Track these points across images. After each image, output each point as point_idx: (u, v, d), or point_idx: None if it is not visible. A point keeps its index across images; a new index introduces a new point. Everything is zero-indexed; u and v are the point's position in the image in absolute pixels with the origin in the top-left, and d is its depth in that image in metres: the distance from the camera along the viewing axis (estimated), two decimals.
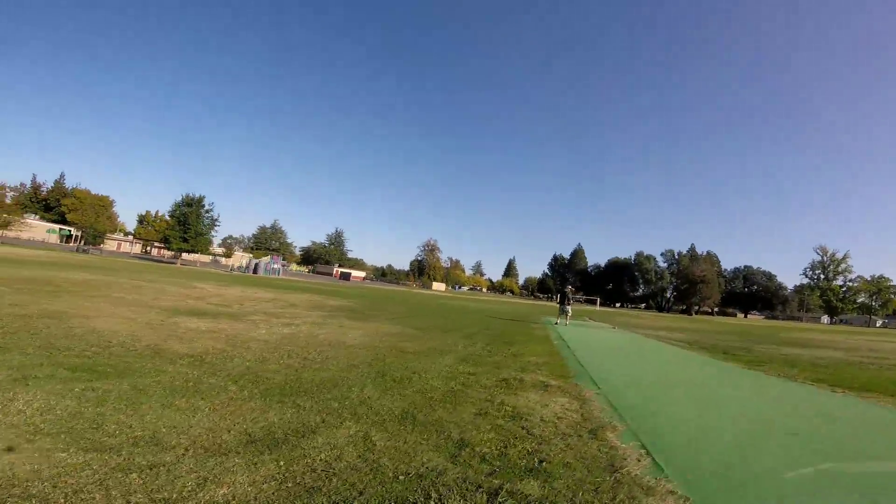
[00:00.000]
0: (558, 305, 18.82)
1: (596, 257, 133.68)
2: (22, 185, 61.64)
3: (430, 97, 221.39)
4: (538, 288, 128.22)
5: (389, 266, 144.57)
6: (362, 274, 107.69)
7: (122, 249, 72.24)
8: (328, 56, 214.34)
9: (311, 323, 9.53)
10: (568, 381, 5.68)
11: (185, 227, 55.87)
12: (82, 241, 55.75)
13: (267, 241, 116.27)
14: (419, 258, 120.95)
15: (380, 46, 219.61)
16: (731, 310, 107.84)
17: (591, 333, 15.13)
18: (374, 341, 7.82)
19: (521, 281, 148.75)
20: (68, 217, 57.74)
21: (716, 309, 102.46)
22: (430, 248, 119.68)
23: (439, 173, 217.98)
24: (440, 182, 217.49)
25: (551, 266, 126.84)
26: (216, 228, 61.16)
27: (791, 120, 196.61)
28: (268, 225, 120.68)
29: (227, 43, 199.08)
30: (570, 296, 18.37)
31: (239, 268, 65.15)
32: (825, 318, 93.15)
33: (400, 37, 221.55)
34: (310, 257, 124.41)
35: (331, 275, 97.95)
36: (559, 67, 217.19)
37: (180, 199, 57.82)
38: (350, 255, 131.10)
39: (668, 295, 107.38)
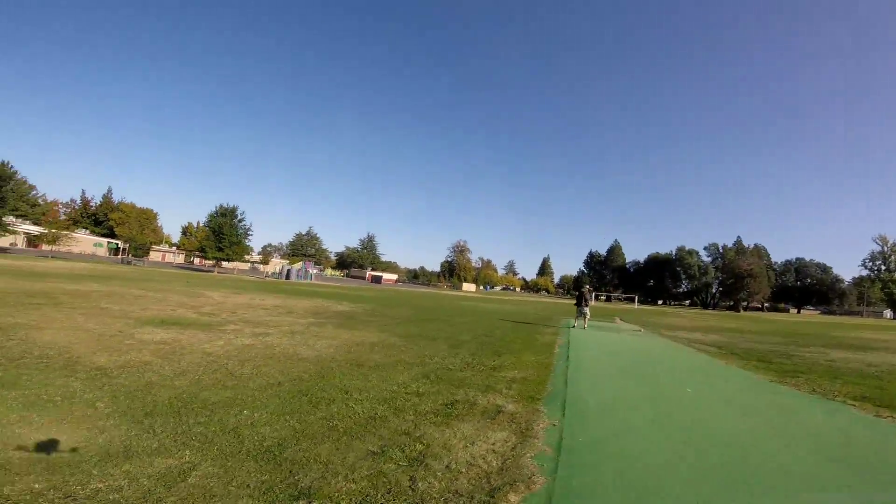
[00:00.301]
0: (575, 307, 17.54)
1: (634, 253, 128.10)
2: (72, 200, 66.49)
3: (454, 97, 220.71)
4: (574, 286, 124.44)
5: (422, 268, 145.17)
6: (394, 277, 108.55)
7: (166, 260, 76.07)
8: (344, 60, 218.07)
9: (285, 332, 9.03)
10: (531, 406, 4.79)
11: (220, 236, 58.17)
12: (128, 254, 59.16)
13: (303, 248, 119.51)
14: (449, 259, 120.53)
15: (397, 48, 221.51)
16: (782, 305, 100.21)
17: (607, 338, 13.87)
18: (337, 353, 7.17)
19: (556, 279, 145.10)
20: (116, 231, 61.51)
21: (766, 305, 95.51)
22: (460, 249, 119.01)
23: (470, 174, 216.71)
24: (471, 182, 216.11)
25: (587, 263, 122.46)
26: (249, 237, 63.52)
27: (843, 104, 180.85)
28: (303, 232, 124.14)
29: (231, 46, 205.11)
30: (588, 296, 17.07)
31: (273, 274, 67.02)
32: (888, 313, 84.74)
33: (418, 36, 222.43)
34: (344, 262, 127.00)
35: (364, 278, 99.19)
36: (580, 60, 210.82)
37: (215, 209, 60.61)
38: (384, 258, 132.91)
39: (714, 291, 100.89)
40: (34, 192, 44.48)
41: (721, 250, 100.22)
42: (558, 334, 13.78)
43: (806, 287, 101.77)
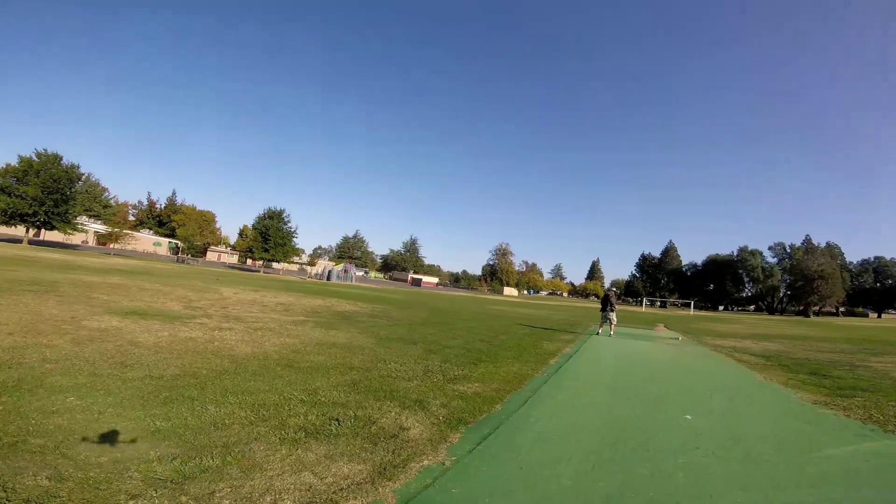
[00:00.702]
0: (600, 312, 15.87)
1: (691, 255, 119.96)
2: (140, 202, 72.70)
3: (496, 97, 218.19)
4: (625, 291, 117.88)
5: (464, 272, 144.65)
6: (435, 280, 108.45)
7: (221, 260, 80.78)
8: (386, 65, 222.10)
9: (252, 328, 8.52)
10: (446, 432, 3.79)
11: (266, 238, 60.71)
12: (185, 253, 63.46)
13: (349, 251, 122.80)
14: (491, 263, 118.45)
15: (436, 49, 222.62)
16: (860, 309, 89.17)
17: (629, 347, 12.24)
18: (279, 352, 6.48)
19: (606, 284, 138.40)
20: (177, 232, 66.31)
21: (841, 309, 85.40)
22: (503, 253, 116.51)
23: (515, 175, 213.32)
24: (517, 184, 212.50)
25: (639, 266, 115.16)
26: (295, 238, 65.69)
27: None
28: (350, 235, 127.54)
29: (282, 54, 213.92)
30: (614, 299, 15.36)
31: (316, 275, 68.90)
32: None
33: (454, 36, 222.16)
34: (388, 265, 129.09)
35: (405, 281, 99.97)
36: (626, 54, 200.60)
37: (263, 212, 63.46)
38: (427, 261, 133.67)
39: (781, 294, 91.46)
40: (106, 194, 48.65)
41: (788, 250, 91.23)
42: (573, 342, 12.37)
43: (887, 289, 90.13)
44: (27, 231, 32.43)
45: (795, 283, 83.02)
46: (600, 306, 15.94)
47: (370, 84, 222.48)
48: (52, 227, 33.83)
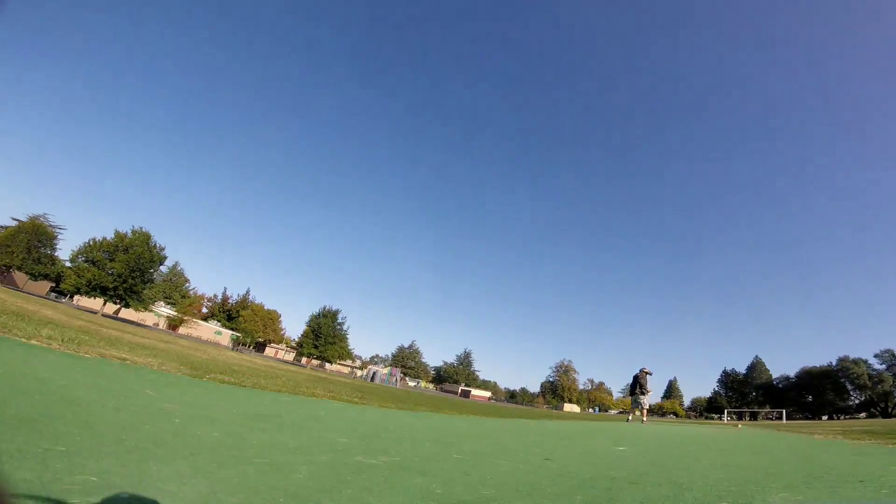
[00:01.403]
0: (630, 396, 13.39)
1: (780, 368, 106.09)
2: (215, 295, 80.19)
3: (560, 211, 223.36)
4: (707, 407, 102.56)
5: (523, 389, 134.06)
6: (487, 394, 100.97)
7: (277, 356, 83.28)
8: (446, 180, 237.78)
9: (184, 350, 8.19)
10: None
11: (318, 335, 62.05)
12: (247, 345, 66.57)
13: (404, 360, 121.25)
14: (551, 379, 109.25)
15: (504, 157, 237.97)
16: None
17: (653, 428, 9.75)
18: (171, 348, 6.03)
19: (686, 402, 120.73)
20: (241, 326, 70.79)
21: None
22: (564, 369, 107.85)
23: (580, 291, 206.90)
24: (583, 301, 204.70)
25: (722, 382, 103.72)
26: (346, 338, 66.34)
27: None
28: (406, 345, 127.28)
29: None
30: (644, 381, 12.82)
31: (362, 377, 67.70)
32: None
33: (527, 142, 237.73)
34: (440, 376, 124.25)
35: (455, 393, 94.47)
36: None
37: (318, 310, 65.89)
38: (483, 376, 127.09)
39: None
40: (187, 285, 54.41)
41: None
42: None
43: None
44: (104, 304, 35.60)
45: None
46: (630, 390, 13.50)
47: (435, 186, 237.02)
48: (127, 305, 37.21)
